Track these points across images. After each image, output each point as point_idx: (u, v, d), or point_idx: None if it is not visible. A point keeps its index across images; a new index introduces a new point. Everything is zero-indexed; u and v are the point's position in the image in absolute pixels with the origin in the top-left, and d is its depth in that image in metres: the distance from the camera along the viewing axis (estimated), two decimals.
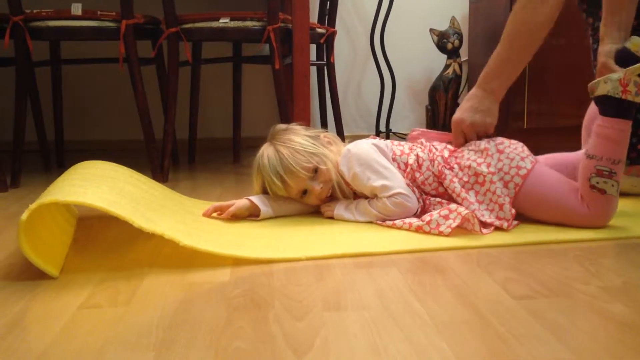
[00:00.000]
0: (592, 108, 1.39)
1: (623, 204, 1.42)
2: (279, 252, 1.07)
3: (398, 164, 1.31)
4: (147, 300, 0.88)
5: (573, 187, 1.23)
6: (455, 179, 1.26)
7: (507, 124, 2.33)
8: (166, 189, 1.42)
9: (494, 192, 1.23)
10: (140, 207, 1.08)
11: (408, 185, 1.27)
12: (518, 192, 1.22)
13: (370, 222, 1.27)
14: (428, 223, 1.18)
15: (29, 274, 0.98)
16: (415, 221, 1.21)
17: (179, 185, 1.48)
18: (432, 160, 1.30)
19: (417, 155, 1.31)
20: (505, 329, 0.75)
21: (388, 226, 1.23)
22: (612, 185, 1.19)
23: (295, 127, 1.38)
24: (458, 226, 1.16)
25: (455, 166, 1.28)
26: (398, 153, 1.33)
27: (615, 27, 1.35)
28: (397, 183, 1.25)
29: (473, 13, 2.71)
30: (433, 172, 1.29)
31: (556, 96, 2.33)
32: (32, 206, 0.93)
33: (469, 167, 1.26)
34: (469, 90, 2.78)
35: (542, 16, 1.41)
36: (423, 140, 1.39)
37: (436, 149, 1.34)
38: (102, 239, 1.22)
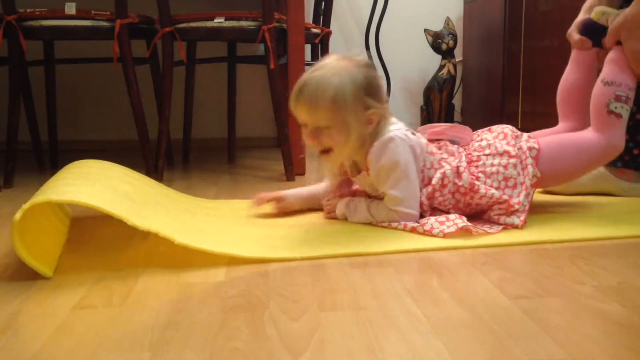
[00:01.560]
0: (565, 79, 1.41)
1: (617, 204, 1.43)
2: (274, 252, 1.07)
3: (423, 177, 1.25)
4: (142, 300, 0.87)
5: (577, 134, 1.29)
6: (488, 187, 1.23)
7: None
8: (161, 186, 1.41)
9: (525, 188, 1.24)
10: (134, 205, 1.07)
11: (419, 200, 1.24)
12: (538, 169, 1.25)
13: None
14: (422, 225, 1.18)
15: (23, 275, 0.98)
16: (410, 223, 1.21)
17: (174, 185, 1.48)
18: (459, 174, 1.22)
19: (444, 175, 1.23)
20: (500, 328, 0.75)
21: (383, 226, 1.23)
22: (627, 110, 1.26)
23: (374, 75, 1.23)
24: (452, 233, 1.14)
25: (481, 175, 1.25)
26: (428, 165, 1.25)
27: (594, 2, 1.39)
28: (412, 203, 1.22)
29: (467, 14, 2.71)
30: (453, 193, 1.23)
31: (550, 97, 2.33)
32: (25, 206, 0.92)
33: (497, 172, 1.24)
34: (463, 90, 2.80)
35: None
36: (448, 144, 1.31)
37: (462, 157, 1.26)
38: (96, 239, 1.21)
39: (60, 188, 1.01)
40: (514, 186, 1.24)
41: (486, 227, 1.19)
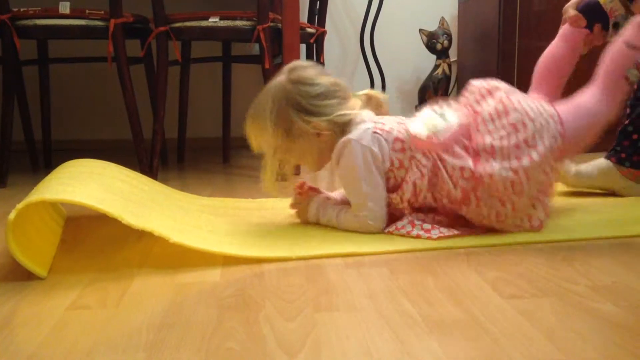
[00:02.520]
0: (549, 52, 1.40)
1: (614, 203, 1.43)
2: (270, 251, 1.07)
3: (395, 177, 1.18)
4: (137, 301, 0.87)
5: (585, 98, 1.25)
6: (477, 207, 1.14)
7: None
8: (156, 183, 1.41)
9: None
10: (129, 203, 1.07)
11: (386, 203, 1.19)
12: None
13: None
14: (408, 233, 1.15)
15: (17, 275, 0.97)
16: (394, 229, 1.17)
17: (168, 185, 1.48)
18: (447, 192, 1.14)
19: (415, 184, 1.15)
20: (495, 328, 0.75)
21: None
22: (637, 77, 1.24)
23: (317, 74, 1.20)
24: (443, 237, 1.13)
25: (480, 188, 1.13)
26: (397, 164, 1.17)
27: None
28: (376, 205, 1.17)
29: (462, 14, 2.72)
30: (429, 200, 1.17)
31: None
32: (20, 206, 0.92)
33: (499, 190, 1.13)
34: (458, 90, 2.80)
35: None
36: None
37: (453, 168, 1.14)
38: (91, 239, 1.21)
39: (54, 187, 1.01)
40: (521, 193, 1.12)
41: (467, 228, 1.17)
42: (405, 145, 1.17)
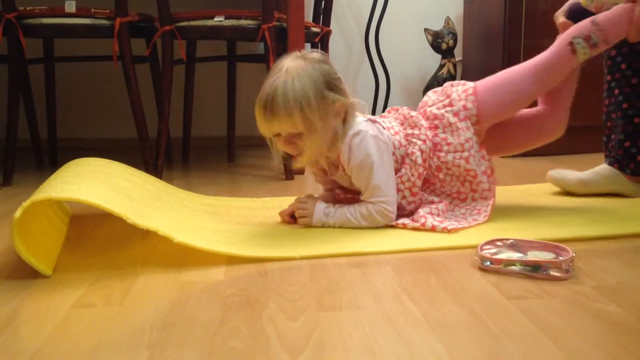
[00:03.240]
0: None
1: (617, 204, 1.43)
2: (274, 251, 1.07)
3: (396, 158, 1.26)
4: (141, 299, 0.87)
5: (515, 73, 1.33)
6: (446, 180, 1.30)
7: None
8: (161, 182, 1.41)
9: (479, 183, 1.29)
10: (134, 202, 1.07)
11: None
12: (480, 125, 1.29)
13: None
14: (423, 225, 1.20)
15: (22, 273, 0.98)
16: (409, 222, 1.22)
17: (173, 184, 1.48)
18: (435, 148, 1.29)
19: (422, 150, 1.26)
20: (498, 328, 0.75)
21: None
22: (584, 54, 1.25)
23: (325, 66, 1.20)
24: (456, 229, 1.19)
25: (443, 166, 1.29)
26: (397, 145, 1.26)
27: None
28: (390, 191, 1.22)
29: (468, 13, 2.71)
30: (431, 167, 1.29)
31: None
32: (26, 204, 0.92)
33: (458, 166, 1.27)
34: None
35: None
36: (406, 111, 1.34)
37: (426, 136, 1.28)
38: (95, 238, 1.21)
39: (60, 186, 1.01)
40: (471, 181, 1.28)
41: (476, 215, 1.26)
42: (397, 126, 1.29)
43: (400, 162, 1.26)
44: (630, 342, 0.71)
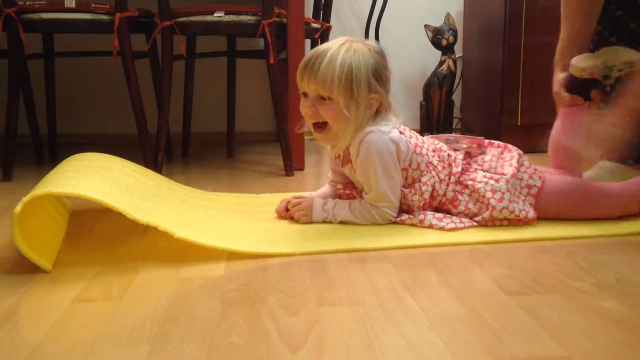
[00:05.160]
0: (556, 133, 1.40)
1: None
2: (274, 247, 1.07)
3: (407, 176, 1.23)
4: (141, 294, 0.87)
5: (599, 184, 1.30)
6: (463, 204, 1.23)
7: (501, 121, 2.33)
8: (161, 178, 1.41)
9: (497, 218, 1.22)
10: (134, 197, 1.07)
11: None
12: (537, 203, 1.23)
13: None
14: (421, 222, 1.20)
15: (22, 268, 0.98)
16: (407, 219, 1.22)
17: (173, 179, 1.48)
18: (447, 184, 1.24)
19: (434, 187, 1.23)
20: (498, 325, 0.75)
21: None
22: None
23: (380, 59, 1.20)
24: (454, 229, 1.18)
25: (465, 191, 1.24)
26: (414, 166, 1.22)
27: (567, 55, 1.39)
28: (395, 197, 1.21)
29: (468, 9, 2.71)
30: (444, 197, 1.25)
31: (549, 93, 2.33)
32: (26, 198, 0.92)
33: (482, 196, 1.21)
34: (463, 86, 2.79)
35: None
36: (444, 147, 1.29)
37: (453, 161, 1.26)
38: (95, 233, 1.21)
39: (60, 181, 1.01)
40: (501, 199, 1.19)
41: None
42: (424, 151, 1.23)
43: (410, 182, 1.23)
44: (631, 339, 0.71)
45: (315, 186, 1.67)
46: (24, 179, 1.79)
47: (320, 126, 1.20)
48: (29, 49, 1.93)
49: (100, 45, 2.14)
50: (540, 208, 1.22)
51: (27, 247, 0.93)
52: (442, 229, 1.18)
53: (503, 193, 1.19)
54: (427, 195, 1.23)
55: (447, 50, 2.62)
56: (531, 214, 1.20)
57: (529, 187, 1.23)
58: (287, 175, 1.89)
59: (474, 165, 1.27)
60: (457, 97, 2.79)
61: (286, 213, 1.29)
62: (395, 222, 1.22)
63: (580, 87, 1.32)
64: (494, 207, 1.18)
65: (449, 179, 1.25)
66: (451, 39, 2.60)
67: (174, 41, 1.91)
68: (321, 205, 1.24)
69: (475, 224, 1.21)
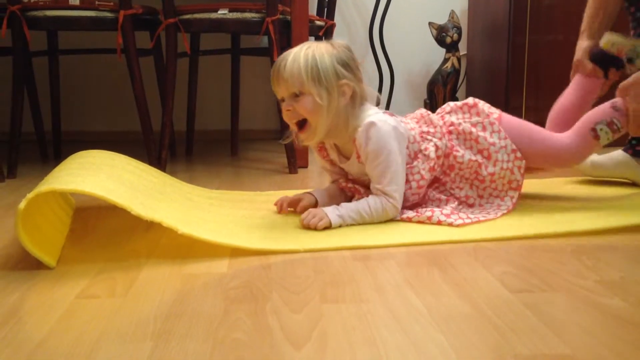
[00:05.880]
0: (564, 101, 1.41)
1: (627, 196, 1.43)
2: (278, 244, 1.07)
3: (409, 152, 1.25)
4: (145, 291, 0.87)
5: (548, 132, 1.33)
6: (462, 154, 1.28)
7: None
8: (165, 176, 1.41)
9: (495, 189, 1.28)
10: (138, 194, 1.08)
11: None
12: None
13: None
14: (429, 218, 1.20)
15: (26, 264, 0.98)
16: (414, 216, 1.22)
17: (176, 177, 1.48)
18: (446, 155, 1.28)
19: (437, 147, 1.26)
20: (502, 322, 0.75)
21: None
22: (607, 139, 1.26)
23: (343, 51, 1.23)
24: (462, 225, 1.18)
25: (454, 139, 1.29)
26: (411, 140, 1.25)
27: (596, 21, 1.38)
28: (401, 189, 1.22)
29: (472, 7, 2.70)
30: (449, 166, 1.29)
31: (554, 91, 2.32)
32: (30, 195, 0.92)
33: (469, 134, 1.27)
34: (467, 84, 2.79)
35: None
36: (424, 112, 1.34)
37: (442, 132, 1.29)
38: (99, 230, 1.22)
39: (64, 178, 1.02)
40: (483, 128, 1.27)
41: (485, 214, 1.25)
42: (410, 138, 1.26)
43: (413, 156, 1.26)
44: (634, 336, 0.71)
45: (318, 184, 1.67)
46: (28, 176, 1.80)
47: (301, 125, 1.22)
48: (34, 47, 1.94)
49: (105, 42, 2.15)
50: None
51: (31, 243, 0.93)
52: (450, 225, 1.17)
53: (481, 123, 1.28)
54: (414, 185, 1.24)
55: (452, 48, 2.62)
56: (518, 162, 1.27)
57: (488, 115, 1.29)
58: (290, 173, 1.89)
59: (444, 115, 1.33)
60: (461, 94, 2.79)
61: (286, 208, 1.31)
62: (401, 220, 1.22)
63: (603, 60, 1.32)
64: (485, 139, 1.26)
65: (440, 160, 1.27)
66: (455, 36, 2.60)
67: (178, 39, 1.91)
68: (335, 213, 1.20)
69: (483, 218, 1.21)
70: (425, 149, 1.26)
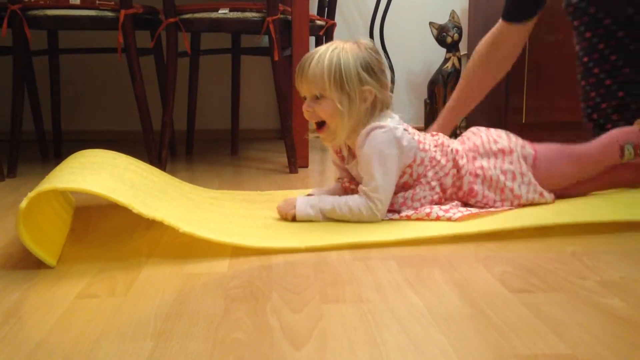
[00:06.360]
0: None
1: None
2: (279, 242, 1.07)
3: (412, 172, 1.23)
4: (145, 290, 0.88)
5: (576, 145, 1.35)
6: (482, 192, 1.26)
7: (506, 119, 2.33)
8: (166, 175, 1.41)
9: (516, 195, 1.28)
10: (140, 193, 1.08)
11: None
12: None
13: None
14: (428, 215, 1.20)
15: (27, 263, 0.98)
16: (413, 213, 1.22)
17: (177, 176, 1.48)
18: (453, 176, 1.26)
19: (440, 181, 1.25)
20: (502, 322, 0.75)
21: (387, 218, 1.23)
22: (630, 158, 1.32)
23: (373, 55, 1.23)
24: (461, 218, 1.18)
25: (478, 180, 1.26)
26: (418, 161, 1.23)
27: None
28: (385, 198, 1.20)
29: (473, 7, 2.70)
30: (461, 190, 1.27)
31: (554, 91, 2.33)
32: (31, 194, 0.92)
33: (496, 182, 1.26)
34: None
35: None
36: (445, 141, 1.30)
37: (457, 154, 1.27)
38: (100, 229, 1.22)
39: (65, 176, 1.02)
40: (513, 178, 1.26)
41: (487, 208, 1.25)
42: (427, 147, 1.24)
43: (415, 178, 1.24)
44: (636, 337, 0.71)
45: (319, 183, 1.67)
46: (29, 176, 1.80)
47: (320, 126, 1.22)
48: (34, 46, 1.94)
49: (105, 42, 2.15)
50: (540, 179, 1.28)
51: (33, 242, 0.93)
52: (449, 219, 1.17)
53: (513, 171, 1.25)
54: (438, 189, 1.24)
55: (452, 47, 2.62)
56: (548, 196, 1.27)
57: (525, 157, 1.27)
58: (291, 172, 1.89)
59: (477, 156, 1.29)
60: None
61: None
62: (400, 218, 1.22)
63: None
64: (512, 190, 1.25)
65: (458, 172, 1.25)
66: (456, 36, 2.60)
67: (179, 38, 1.91)
68: (305, 200, 1.22)
69: (482, 211, 1.22)
70: (426, 177, 1.24)
